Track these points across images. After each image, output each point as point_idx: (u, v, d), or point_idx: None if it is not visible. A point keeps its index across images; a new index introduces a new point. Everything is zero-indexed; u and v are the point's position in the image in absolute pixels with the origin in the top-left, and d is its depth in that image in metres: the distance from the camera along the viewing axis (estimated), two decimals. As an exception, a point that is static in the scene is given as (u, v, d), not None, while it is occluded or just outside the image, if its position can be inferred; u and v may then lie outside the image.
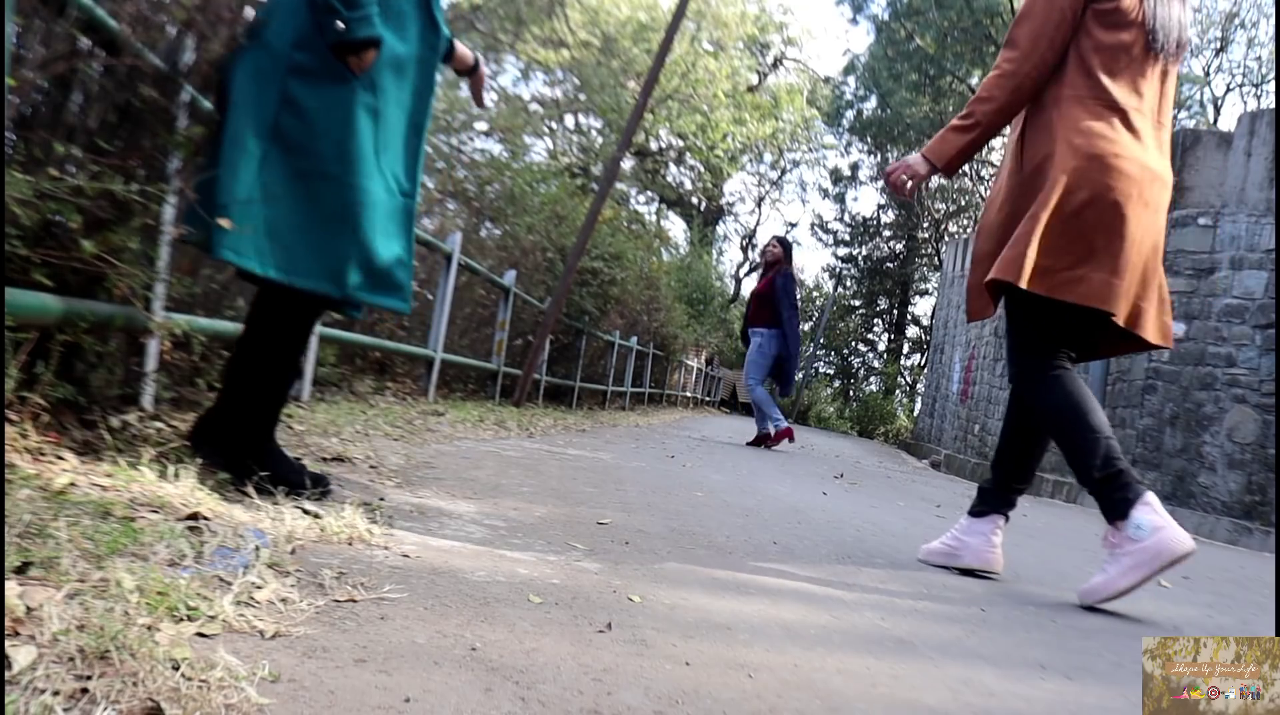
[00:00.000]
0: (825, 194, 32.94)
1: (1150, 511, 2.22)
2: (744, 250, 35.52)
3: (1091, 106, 2.31)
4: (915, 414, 25.22)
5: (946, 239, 29.54)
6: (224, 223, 1.98)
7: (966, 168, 29.85)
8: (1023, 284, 2.27)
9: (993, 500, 2.66)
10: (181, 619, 1.20)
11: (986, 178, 29.47)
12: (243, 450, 2.17)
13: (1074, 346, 2.44)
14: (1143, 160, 2.30)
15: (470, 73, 2.59)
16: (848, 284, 33.19)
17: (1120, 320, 2.31)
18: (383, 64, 2.12)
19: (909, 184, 2.52)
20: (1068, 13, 2.32)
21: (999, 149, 29.17)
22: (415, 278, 7.68)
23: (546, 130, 23.73)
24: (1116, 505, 2.27)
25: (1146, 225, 2.30)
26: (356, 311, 2.48)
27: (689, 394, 22.15)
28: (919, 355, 32.60)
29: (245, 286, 3.52)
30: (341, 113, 2.08)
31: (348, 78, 2.08)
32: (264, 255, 2.03)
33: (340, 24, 2.02)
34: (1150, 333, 2.36)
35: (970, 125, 2.42)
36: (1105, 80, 2.32)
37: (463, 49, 2.52)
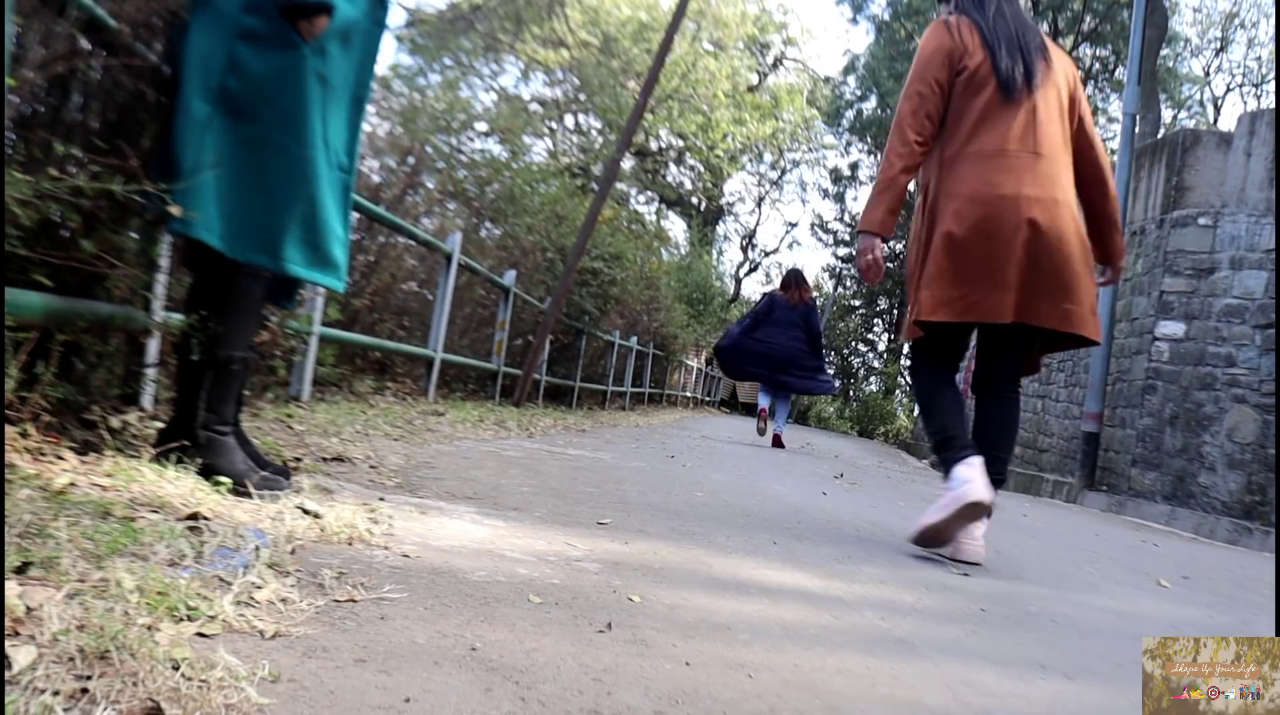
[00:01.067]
0: (825, 194, 32.93)
1: (967, 468, 2.66)
2: (744, 250, 35.53)
3: (968, 159, 2.77)
4: (915, 414, 25.23)
5: (946, 239, 29.51)
6: (174, 208, 1.91)
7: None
8: (922, 318, 2.81)
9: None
10: (181, 619, 1.20)
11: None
12: (194, 435, 2.07)
13: (954, 351, 3.00)
14: (1018, 192, 2.70)
15: None
16: (848, 284, 33.18)
17: (1009, 319, 2.73)
18: (332, 31, 2.04)
19: (875, 260, 2.89)
20: (938, 88, 2.79)
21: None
22: (415, 278, 7.66)
23: (546, 130, 23.73)
24: (946, 463, 2.75)
25: (1038, 242, 2.70)
26: (289, 302, 2.40)
27: (689, 394, 22.15)
28: (919, 355, 32.56)
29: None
30: (291, 79, 2.00)
31: (297, 43, 2.00)
32: (209, 223, 1.96)
33: None
34: (1045, 320, 2.77)
35: (883, 190, 2.85)
36: (977, 135, 2.78)
37: None
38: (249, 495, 1.99)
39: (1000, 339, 2.92)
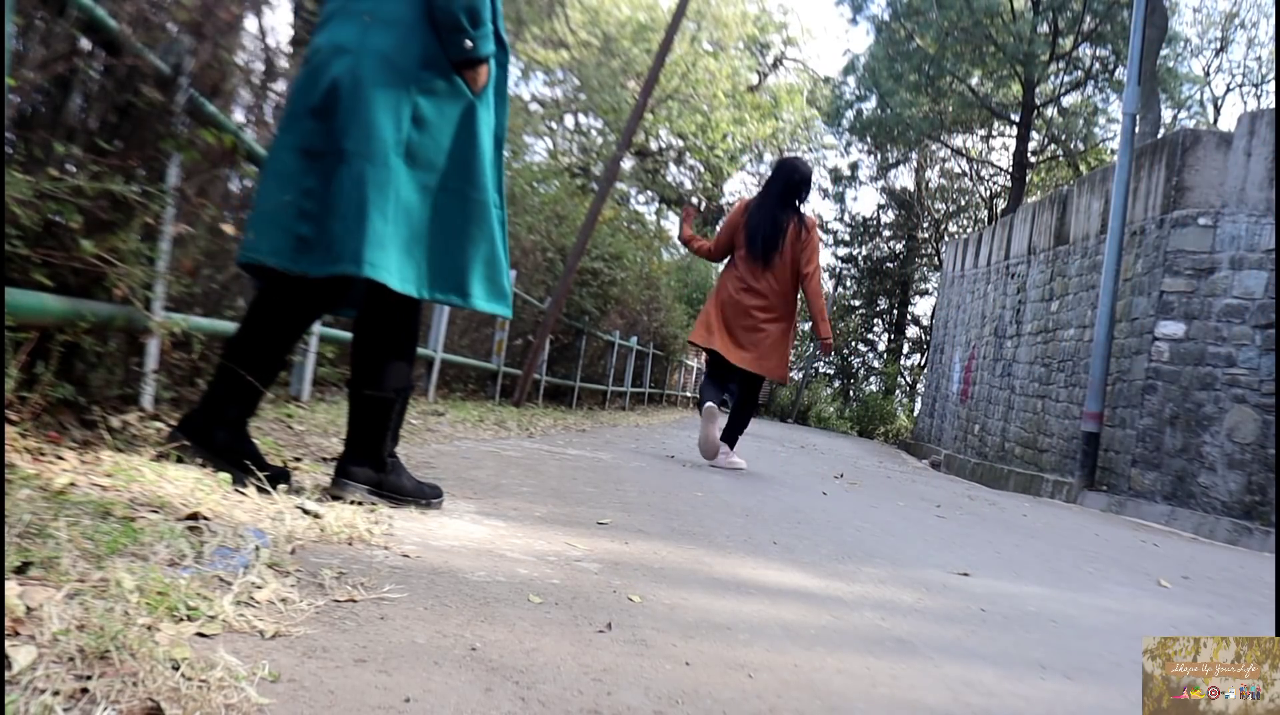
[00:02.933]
0: (825, 194, 32.85)
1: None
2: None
3: (730, 273, 5.21)
4: (915, 414, 25.22)
5: (946, 239, 29.54)
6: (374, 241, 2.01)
7: (966, 168, 29.92)
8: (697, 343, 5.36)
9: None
10: (181, 619, 1.20)
11: (986, 177, 29.48)
12: (376, 469, 2.23)
13: (725, 366, 5.20)
14: (744, 290, 5.09)
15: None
16: (848, 284, 33.18)
17: (724, 354, 5.13)
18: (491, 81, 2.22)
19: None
20: (725, 238, 5.25)
21: (998, 150, 29.12)
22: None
23: (546, 130, 23.72)
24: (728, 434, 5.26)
25: (742, 317, 5.08)
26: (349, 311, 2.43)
27: (689, 394, 22.14)
28: (919, 355, 32.59)
29: (245, 286, 3.52)
30: (466, 129, 2.15)
31: (468, 95, 2.15)
32: (403, 271, 2.07)
33: (468, 42, 2.08)
34: (736, 361, 5.09)
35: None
36: (737, 265, 5.16)
37: None
38: (432, 509, 2.23)
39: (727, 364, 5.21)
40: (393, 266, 2.05)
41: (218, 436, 2.15)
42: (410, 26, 2.08)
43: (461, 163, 2.15)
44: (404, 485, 2.24)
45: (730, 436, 5.13)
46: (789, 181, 5.11)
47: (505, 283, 2.26)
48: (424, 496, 2.26)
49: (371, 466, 2.21)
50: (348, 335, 5.09)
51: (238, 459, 2.12)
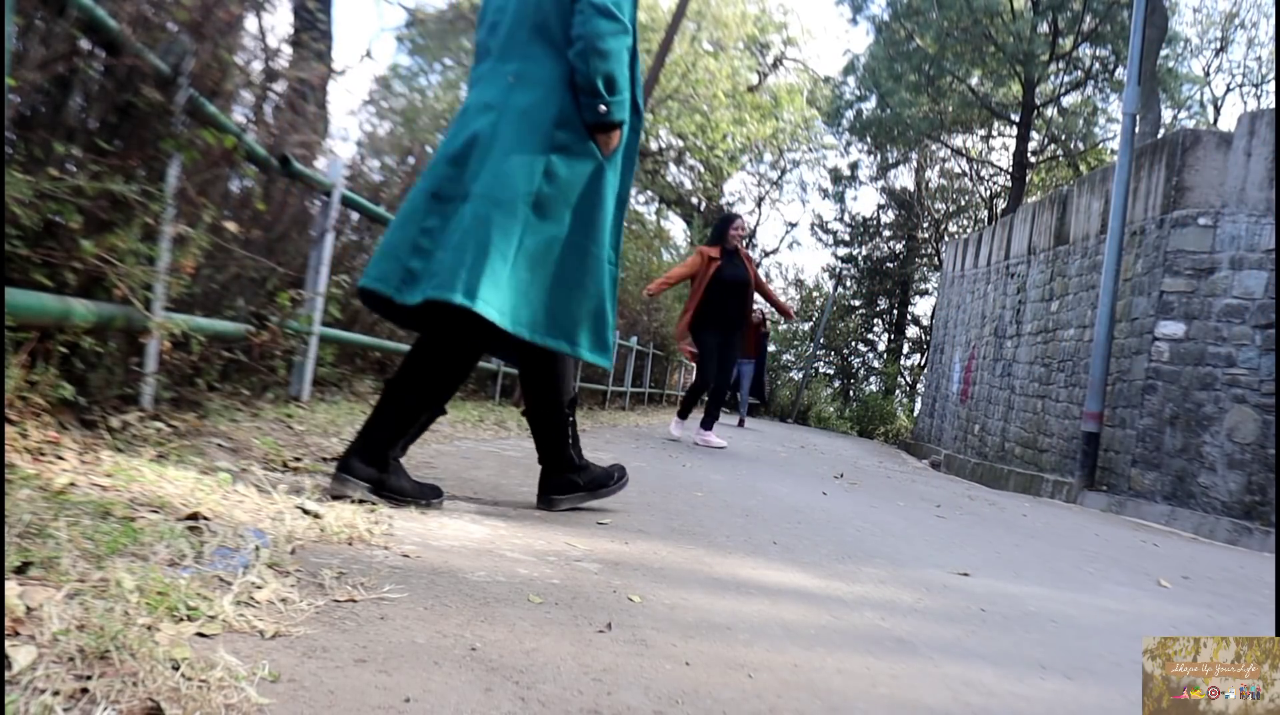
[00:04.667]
0: (825, 194, 32.81)
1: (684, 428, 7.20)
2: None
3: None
4: (915, 414, 25.21)
5: (946, 239, 29.52)
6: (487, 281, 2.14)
7: (967, 169, 29.92)
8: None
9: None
10: (181, 619, 1.20)
11: (986, 177, 29.47)
12: (570, 477, 2.55)
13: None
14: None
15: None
16: (848, 284, 33.15)
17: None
18: (621, 145, 2.37)
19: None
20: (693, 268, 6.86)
21: (998, 150, 29.12)
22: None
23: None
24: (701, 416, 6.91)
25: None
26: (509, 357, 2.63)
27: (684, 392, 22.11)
28: (919, 355, 32.56)
29: (245, 287, 3.53)
30: (593, 187, 2.31)
31: (598, 156, 2.31)
32: (516, 313, 2.21)
33: (603, 108, 2.24)
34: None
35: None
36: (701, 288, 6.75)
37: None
38: (432, 509, 2.26)
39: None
40: (506, 307, 2.18)
41: (376, 471, 2.24)
42: (551, 88, 2.25)
43: (586, 219, 2.30)
44: (404, 486, 2.28)
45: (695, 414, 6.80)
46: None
47: (609, 336, 2.41)
48: (424, 497, 2.30)
49: (571, 471, 2.57)
50: (348, 336, 5.11)
51: (398, 490, 2.25)
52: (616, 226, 2.42)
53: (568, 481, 2.56)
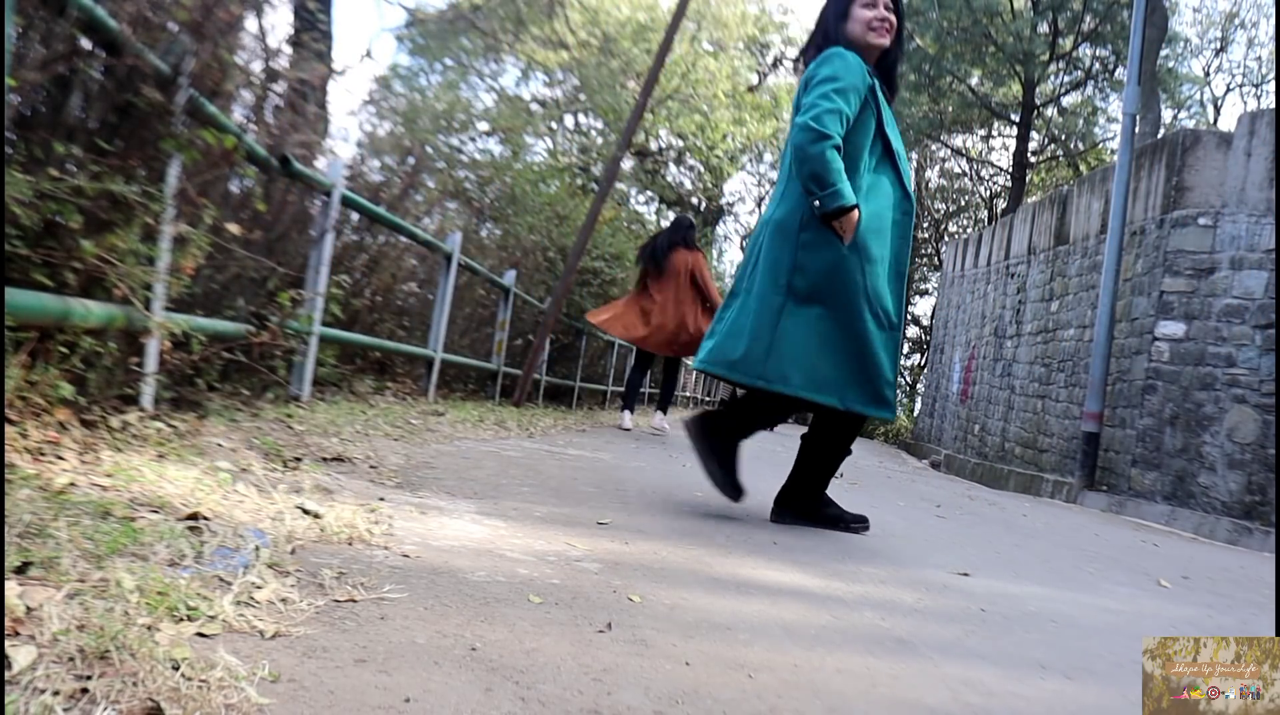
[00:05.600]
0: (825, 194, 32.79)
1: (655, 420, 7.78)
2: (744, 250, 35.25)
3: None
4: (915, 414, 25.20)
5: (946, 239, 29.53)
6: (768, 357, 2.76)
7: (966, 168, 29.92)
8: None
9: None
10: (181, 619, 1.20)
11: (986, 177, 29.46)
12: (811, 505, 3.02)
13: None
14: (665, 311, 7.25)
15: None
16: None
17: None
18: (865, 229, 2.76)
19: None
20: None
21: (998, 150, 29.10)
22: (416, 278, 7.66)
23: (547, 130, 23.70)
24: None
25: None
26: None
27: (689, 394, 22.13)
28: (919, 355, 32.58)
29: (245, 287, 3.53)
30: (840, 272, 2.75)
31: (838, 245, 2.74)
32: (788, 379, 2.76)
33: (817, 202, 2.69)
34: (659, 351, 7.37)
35: None
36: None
37: None
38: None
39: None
40: (793, 378, 2.76)
41: (813, 506, 3.01)
42: (798, 198, 2.78)
43: (839, 297, 2.76)
44: (842, 515, 3.00)
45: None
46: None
47: (885, 392, 2.80)
48: (851, 522, 3.00)
49: (818, 502, 3.04)
50: (348, 336, 5.12)
51: (832, 518, 2.99)
52: (897, 296, 2.84)
53: (811, 507, 3.01)
